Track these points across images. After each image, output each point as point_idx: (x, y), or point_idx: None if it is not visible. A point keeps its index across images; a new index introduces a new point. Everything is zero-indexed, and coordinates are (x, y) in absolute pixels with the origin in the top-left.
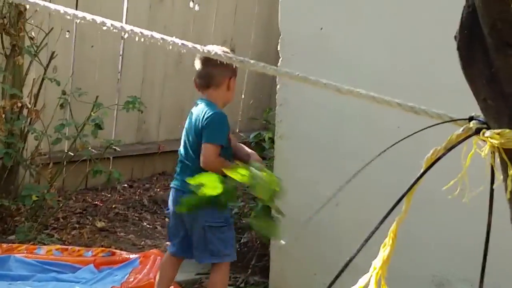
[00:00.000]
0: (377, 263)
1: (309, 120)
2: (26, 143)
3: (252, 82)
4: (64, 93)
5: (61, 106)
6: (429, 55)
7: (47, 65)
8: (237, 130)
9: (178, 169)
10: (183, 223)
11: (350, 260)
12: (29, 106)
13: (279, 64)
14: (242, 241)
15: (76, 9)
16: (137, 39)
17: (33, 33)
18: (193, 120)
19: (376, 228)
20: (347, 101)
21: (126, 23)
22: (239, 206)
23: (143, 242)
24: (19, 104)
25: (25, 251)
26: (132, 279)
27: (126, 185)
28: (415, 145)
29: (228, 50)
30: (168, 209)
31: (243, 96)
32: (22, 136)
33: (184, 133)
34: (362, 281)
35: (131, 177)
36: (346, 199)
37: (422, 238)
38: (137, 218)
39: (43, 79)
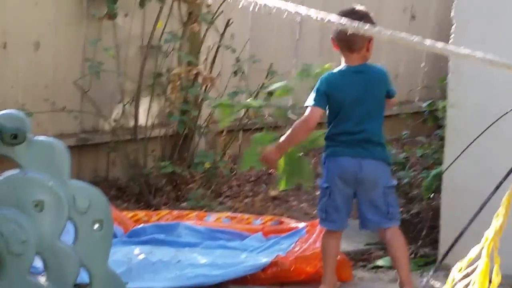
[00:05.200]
0: (489, 233)
1: (481, 89)
2: (201, 110)
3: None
4: (238, 60)
5: (235, 73)
6: None
7: (223, 33)
8: (417, 99)
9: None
10: (351, 191)
11: (464, 230)
12: (205, 73)
13: (452, 30)
14: (412, 211)
15: None
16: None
17: (209, 1)
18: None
19: (488, 199)
20: None
21: None
22: (410, 175)
23: (315, 212)
24: (195, 71)
25: (195, 218)
26: (297, 248)
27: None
28: None
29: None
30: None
31: (423, 64)
32: (197, 104)
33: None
34: (473, 252)
35: None
36: None
37: None
38: (310, 187)
39: (218, 47)
